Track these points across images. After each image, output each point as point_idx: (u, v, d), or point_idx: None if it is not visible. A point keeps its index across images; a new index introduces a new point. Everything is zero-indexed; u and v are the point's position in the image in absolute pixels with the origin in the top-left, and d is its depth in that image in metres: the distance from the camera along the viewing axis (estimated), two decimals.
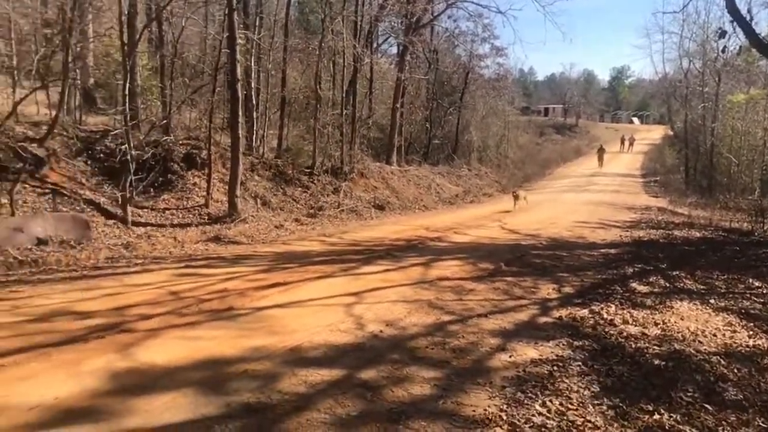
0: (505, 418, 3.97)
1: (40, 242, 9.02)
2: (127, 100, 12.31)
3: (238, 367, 4.56)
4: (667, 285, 8.41)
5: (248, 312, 6.20)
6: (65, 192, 11.31)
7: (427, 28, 28.62)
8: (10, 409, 3.65)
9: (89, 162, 12.72)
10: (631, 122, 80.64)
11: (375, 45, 28.28)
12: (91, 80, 17.80)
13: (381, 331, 5.65)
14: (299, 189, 16.83)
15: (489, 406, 4.11)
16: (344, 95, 20.22)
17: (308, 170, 17.77)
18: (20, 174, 10.58)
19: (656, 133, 60.08)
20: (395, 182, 21.47)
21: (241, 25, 16.15)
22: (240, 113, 13.75)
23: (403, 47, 26.35)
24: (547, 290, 7.83)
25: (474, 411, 4.02)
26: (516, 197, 19.27)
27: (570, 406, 4.22)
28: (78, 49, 14.00)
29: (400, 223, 15.05)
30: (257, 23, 19.05)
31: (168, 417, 3.67)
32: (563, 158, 44.46)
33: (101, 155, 12.90)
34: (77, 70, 15.08)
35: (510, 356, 5.16)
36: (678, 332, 6.04)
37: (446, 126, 31.24)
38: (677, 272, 9.17)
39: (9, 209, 9.83)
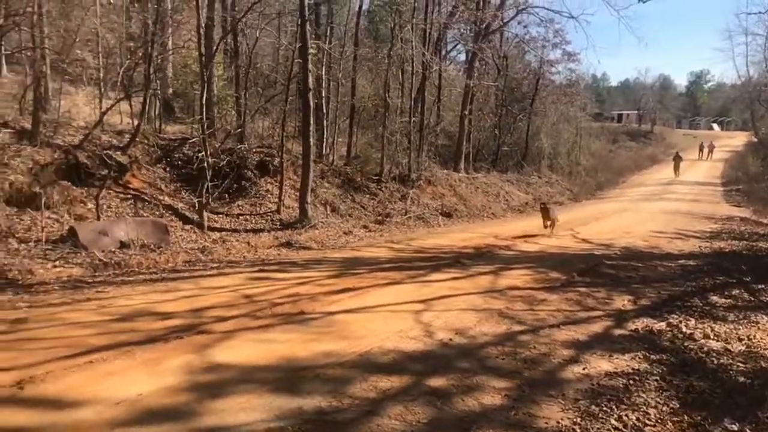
0: (578, 431, 3.88)
1: (123, 245, 9.45)
2: (204, 110, 12.80)
3: (310, 371, 4.63)
4: (752, 299, 8.00)
5: (319, 316, 6.30)
6: (146, 197, 11.84)
7: (496, 35, 28.37)
8: (98, 404, 3.83)
9: (168, 169, 13.30)
10: (711, 129, 77.04)
11: (444, 52, 28.30)
12: (170, 90, 18.58)
13: (450, 340, 5.63)
14: (367, 196, 17.00)
15: (562, 419, 4.02)
16: (412, 103, 20.28)
17: (376, 177, 17.92)
18: (105, 180, 11.15)
19: (738, 139, 57.18)
20: (463, 190, 21.33)
21: (313, 36, 16.49)
22: (311, 122, 14.04)
23: (472, 54, 26.19)
24: (622, 302, 7.60)
25: (546, 423, 3.95)
26: (546, 214, 14.63)
27: (647, 421, 4.08)
28: (159, 60, 14.65)
29: (468, 231, 14.93)
30: (328, 33, 19.43)
31: (243, 417, 3.77)
32: (638, 166, 42.96)
33: (179, 162, 13.46)
34: (158, 81, 15.77)
35: (583, 368, 5.04)
36: (765, 349, 5.73)
37: (516, 133, 30.76)
38: (762, 285, 8.70)
39: (95, 213, 10.37)
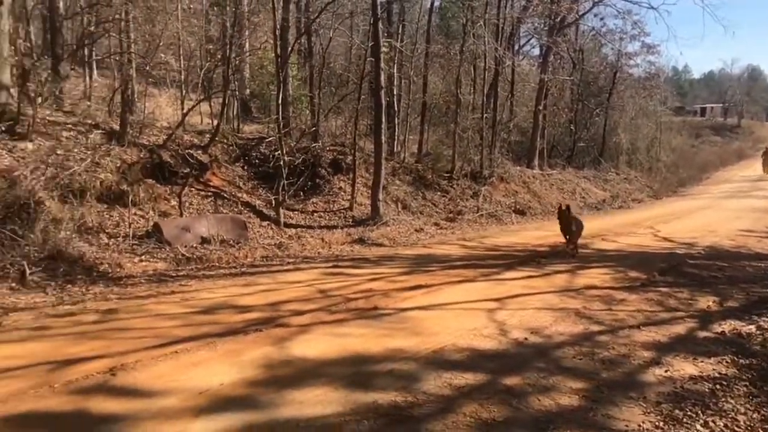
0: None
1: (204, 241, 9.82)
2: (280, 109, 13.12)
3: (384, 366, 4.67)
4: None
5: (392, 312, 6.34)
6: (225, 195, 12.24)
7: (571, 28, 27.66)
8: (183, 392, 4.01)
9: (246, 167, 13.70)
10: None
11: (517, 47, 27.86)
12: (248, 91, 19.13)
13: (525, 339, 5.54)
14: (438, 193, 16.96)
15: (643, 422, 3.89)
16: (485, 99, 20.05)
17: (447, 174, 17.85)
18: (187, 178, 11.61)
19: None
20: (537, 186, 20.93)
21: (385, 34, 16.60)
22: (383, 119, 14.15)
23: (546, 48, 25.65)
24: (707, 303, 7.25)
25: (627, 426, 3.83)
26: (565, 223, 10.48)
27: (736, 428, 3.90)
28: (236, 62, 15.11)
29: (542, 229, 14.62)
30: (400, 31, 19.50)
31: (320, 409, 3.84)
32: (722, 162, 40.98)
33: (256, 161, 13.85)
34: (236, 82, 16.28)
35: (665, 371, 4.85)
36: None
37: (592, 128, 29.90)
38: None
39: (178, 210, 10.82)
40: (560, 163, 26.40)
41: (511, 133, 23.80)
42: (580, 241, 10.82)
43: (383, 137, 14.17)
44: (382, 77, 14.13)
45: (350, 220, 13.53)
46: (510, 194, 18.94)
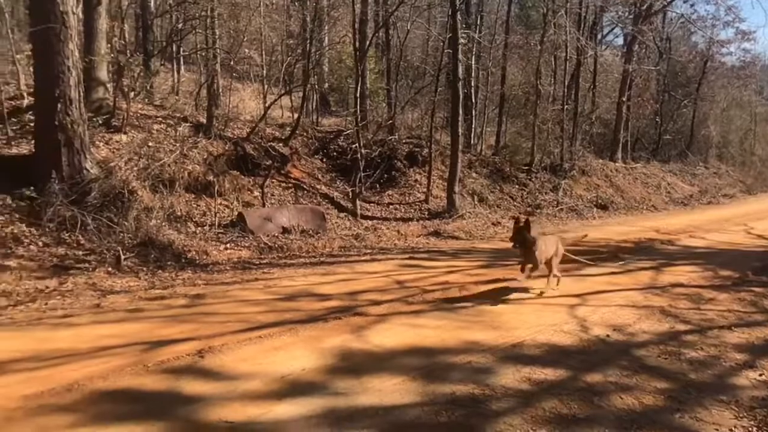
0: None
1: (285, 231, 10.10)
2: (358, 103, 13.28)
3: (461, 358, 4.66)
4: None
5: (469, 305, 6.31)
6: (305, 186, 12.53)
7: (658, 16, 26.40)
8: (267, 375, 4.15)
9: (324, 159, 13.98)
10: None
11: (599, 36, 26.84)
12: (326, 85, 19.46)
13: (608, 336, 5.40)
14: (516, 186, 16.70)
15: (735, 427, 3.73)
16: (565, 90, 19.52)
17: (526, 167, 17.53)
18: (269, 170, 11.96)
19: None
20: (620, 180, 20.22)
21: (463, 25, 16.43)
22: (460, 112, 14.06)
23: (630, 37, 24.61)
24: None
25: (717, 430, 3.68)
26: (523, 243, 6.79)
27: None
28: (316, 56, 15.39)
29: (626, 224, 14.15)
30: (478, 22, 19.28)
31: (398, 398, 3.88)
32: None
33: (334, 153, 14.11)
34: (315, 76, 16.58)
35: (760, 374, 4.61)
36: None
37: (679, 120, 28.52)
38: None
39: (260, 201, 11.16)
40: (644, 157, 25.38)
41: (593, 125, 23.06)
42: (667, 237, 10.34)
43: (460, 129, 14.07)
44: (460, 69, 14.03)
45: (426, 212, 13.53)
46: (591, 188, 18.39)
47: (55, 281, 6.59)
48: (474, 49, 17.70)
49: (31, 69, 8.99)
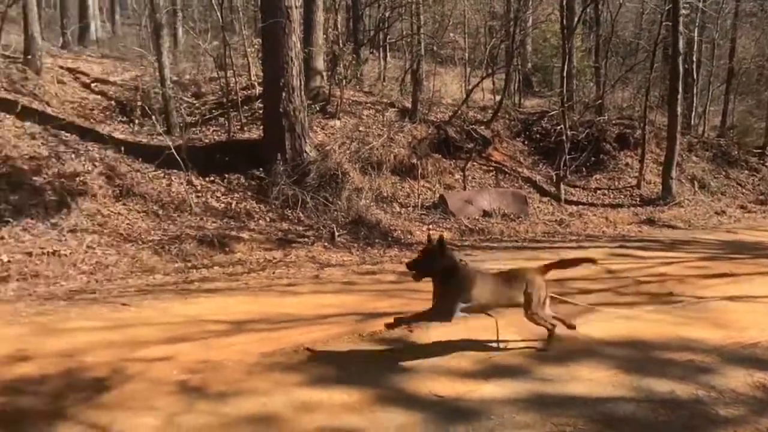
0: None
1: (486, 214, 10.12)
2: (564, 82, 12.79)
3: (681, 355, 4.29)
4: None
5: (690, 300, 5.78)
6: (506, 169, 12.42)
7: None
8: (471, 356, 4.16)
9: (526, 142, 13.75)
10: None
11: None
12: (529, 65, 18.99)
13: None
14: (746, 172, 15.17)
15: None
16: None
17: (758, 151, 15.85)
18: (471, 153, 12.05)
19: None
20: None
21: None
22: (679, 89, 13.01)
23: None
24: None
25: None
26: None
27: None
28: (521, 37, 15.07)
29: None
30: None
31: (610, 390, 3.68)
32: None
33: (537, 136, 13.81)
34: (518, 57, 16.27)
35: None
36: None
37: None
38: None
39: (461, 184, 11.29)
40: None
41: None
42: None
43: (679, 109, 12.96)
44: (681, 42, 12.86)
45: (637, 198, 12.79)
46: None
47: (280, 253, 7.32)
48: (697, 20, 16.08)
49: (260, 61, 10.00)
